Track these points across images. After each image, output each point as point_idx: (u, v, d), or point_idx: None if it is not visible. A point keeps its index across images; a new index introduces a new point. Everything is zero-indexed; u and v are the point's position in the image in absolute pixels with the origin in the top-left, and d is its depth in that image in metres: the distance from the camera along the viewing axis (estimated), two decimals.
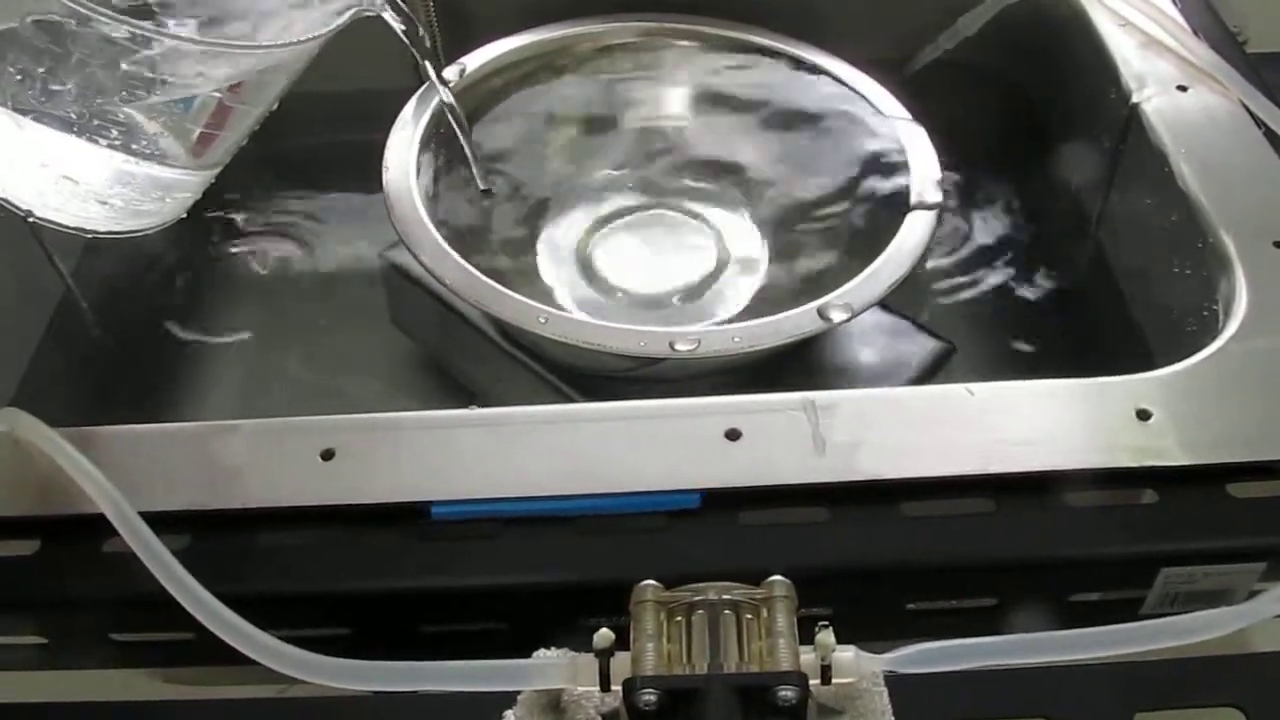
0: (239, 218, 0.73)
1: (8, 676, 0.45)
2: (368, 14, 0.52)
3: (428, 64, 0.58)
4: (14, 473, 0.44)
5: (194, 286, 0.71)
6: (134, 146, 0.46)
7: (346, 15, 0.50)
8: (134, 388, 0.65)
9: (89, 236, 0.47)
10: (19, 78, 0.43)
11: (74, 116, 0.44)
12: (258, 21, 0.48)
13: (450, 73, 0.63)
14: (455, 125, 0.60)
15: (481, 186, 0.62)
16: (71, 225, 0.47)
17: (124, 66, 0.42)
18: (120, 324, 0.65)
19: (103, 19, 0.41)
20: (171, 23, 0.47)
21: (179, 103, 0.45)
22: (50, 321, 0.61)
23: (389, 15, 0.53)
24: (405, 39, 0.55)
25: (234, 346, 0.66)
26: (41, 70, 0.42)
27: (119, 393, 0.64)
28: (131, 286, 0.67)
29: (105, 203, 0.47)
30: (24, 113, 0.43)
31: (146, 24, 0.43)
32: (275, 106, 0.50)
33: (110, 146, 0.45)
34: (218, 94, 0.46)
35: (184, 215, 0.50)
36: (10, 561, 0.42)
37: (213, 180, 0.50)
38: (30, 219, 0.46)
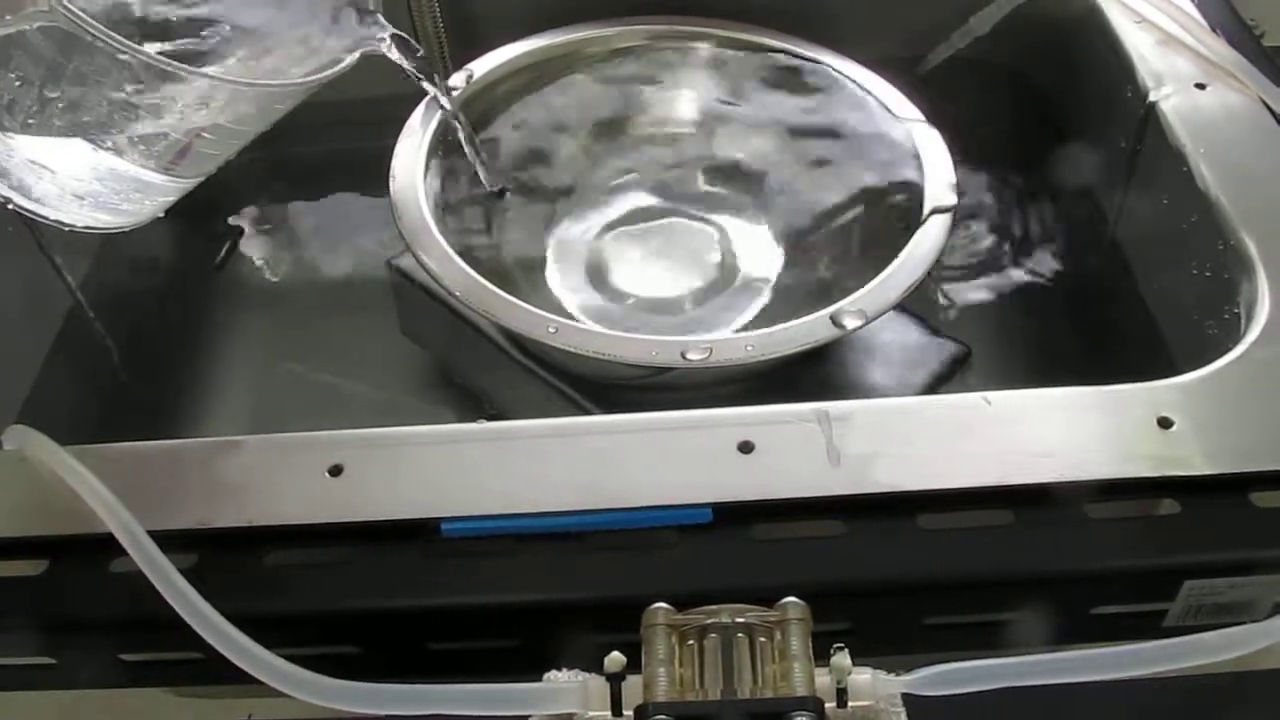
0: (247, 227, 0.73)
1: (15, 697, 0.44)
2: (373, 54, 0.51)
3: (440, 95, 0.57)
4: (22, 491, 0.43)
5: (202, 297, 0.71)
6: (122, 153, 0.45)
7: (351, 58, 0.50)
8: (142, 401, 0.65)
9: (66, 230, 0.47)
10: (18, 84, 0.43)
11: (62, 125, 0.43)
12: (261, 54, 0.48)
13: (458, 78, 0.63)
14: (464, 140, 0.59)
15: (490, 188, 0.61)
16: (50, 217, 0.47)
17: (121, 89, 0.42)
18: (128, 336, 0.65)
19: (99, 39, 0.40)
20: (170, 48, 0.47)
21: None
22: (58, 335, 0.61)
23: (395, 55, 0.53)
24: (416, 73, 0.55)
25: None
26: (38, 79, 0.42)
27: (127, 406, 0.64)
28: (139, 298, 0.67)
29: (81, 197, 0.47)
30: (15, 116, 0.43)
31: (150, 50, 0.42)
32: (266, 129, 0.50)
33: (95, 146, 0.45)
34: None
35: (161, 215, 0.50)
36: (18, 581, 0.42)
37: (193, 188, 0.50)
38: (10, 206, 0.46)
